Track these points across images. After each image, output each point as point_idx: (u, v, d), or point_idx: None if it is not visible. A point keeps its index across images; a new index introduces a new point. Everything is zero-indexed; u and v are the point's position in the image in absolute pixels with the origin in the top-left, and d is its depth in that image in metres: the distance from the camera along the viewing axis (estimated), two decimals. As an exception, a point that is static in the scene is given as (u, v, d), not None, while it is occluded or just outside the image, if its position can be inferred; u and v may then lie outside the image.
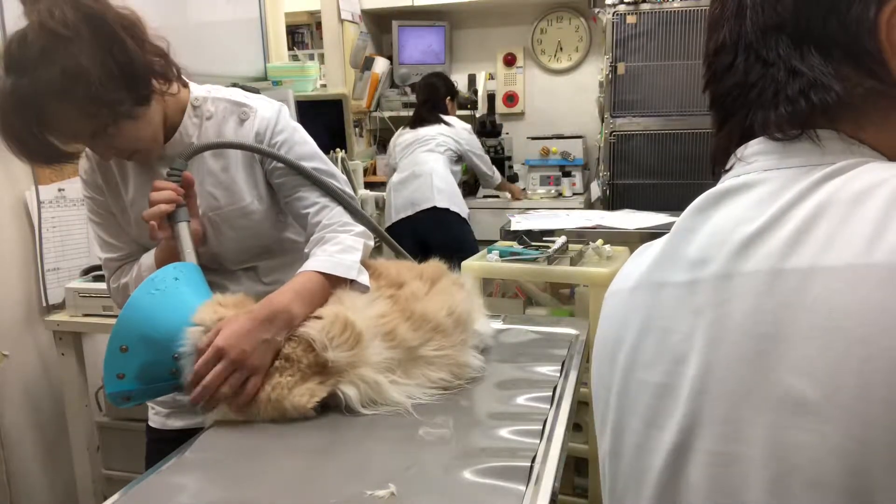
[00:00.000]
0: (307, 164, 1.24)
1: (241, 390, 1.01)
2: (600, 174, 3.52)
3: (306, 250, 1.22)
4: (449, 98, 3.62)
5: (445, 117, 3.51)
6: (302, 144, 1.26)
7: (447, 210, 3.24)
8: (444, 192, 3.27)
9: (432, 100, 3.54)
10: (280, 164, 1.23)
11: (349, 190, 1.29)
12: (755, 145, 0.57)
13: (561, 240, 1.98)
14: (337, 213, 1.24)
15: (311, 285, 1.11)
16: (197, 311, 1.04)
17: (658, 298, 0.58)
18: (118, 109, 1.04)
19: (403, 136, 3.51)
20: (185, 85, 1.20)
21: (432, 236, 3.11)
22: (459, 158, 3.50)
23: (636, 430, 0.59)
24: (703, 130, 3.26)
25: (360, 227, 1.23)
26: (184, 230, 1.15)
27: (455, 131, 3.46)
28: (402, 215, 3.29)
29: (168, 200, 1.13)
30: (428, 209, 3.23)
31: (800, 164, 0.53)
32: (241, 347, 1.00)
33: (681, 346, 0.55)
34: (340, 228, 1.21)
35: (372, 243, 1.25)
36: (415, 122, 3.52)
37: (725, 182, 0.57)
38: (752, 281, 0.50)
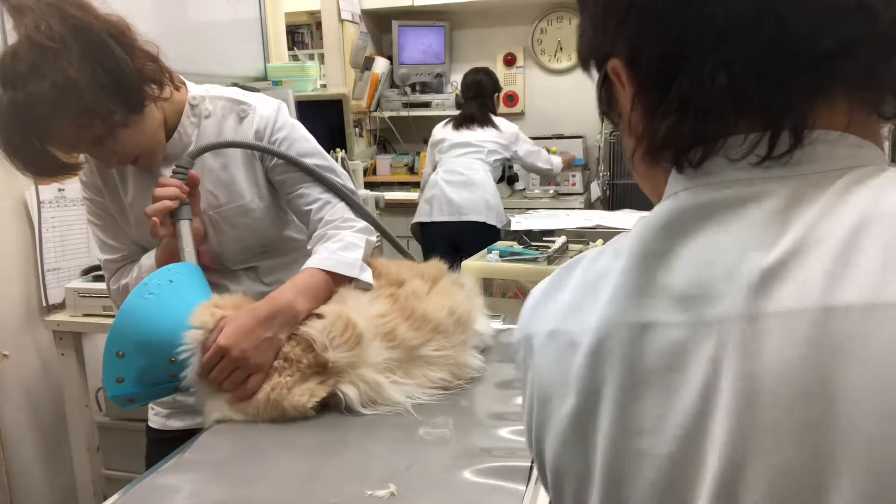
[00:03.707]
0: (308, 161, 1.24)
1: (243, 387, 1.02)
2: (600, 174, 3.52)
3: (309, 247, 1.22)
4: (496, 94, 3.52)
5: (496, 119, 3.41)
6: (302, 141, 1.26)
7: (493, 227, 3.21)
8: (494, 210, 3.26)
9: (481, 97, 3.41)
10: (281, 161, 1.23)
11: (350, 185, 1.29)
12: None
13: (561, 240, 1.99)
14: (339, 210, 1.24)
15: (313, 282, 1.11)
16: (195, 313, 1.04)
17: (642, 345, 0.46)
18: (111, 119, 1.03)
19: (450, 134, 3.38)
20: (178, 88, 1.19)
21: (470, 246, 2.96)
22: (503, 165, 3.45)
23: None
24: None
25: (362, 223, 1.23)
26: (185, 228, 1.15)
27: (504, 136, 3.37)
28: (445, 218, 3.24)
29: (173, 197, 1.13)
30: (474, 221, 3.20)
31: (804, 172, 0.45)
32: (241, 346, 1.00)
33: (696, 407, 0.44)
34: (343, 224, 1.21)
35: (374, 239, 1.25)
36: (464, 121, 3.38)
37: (701, 193, 0.48)
38: (791, 324, 0.40)
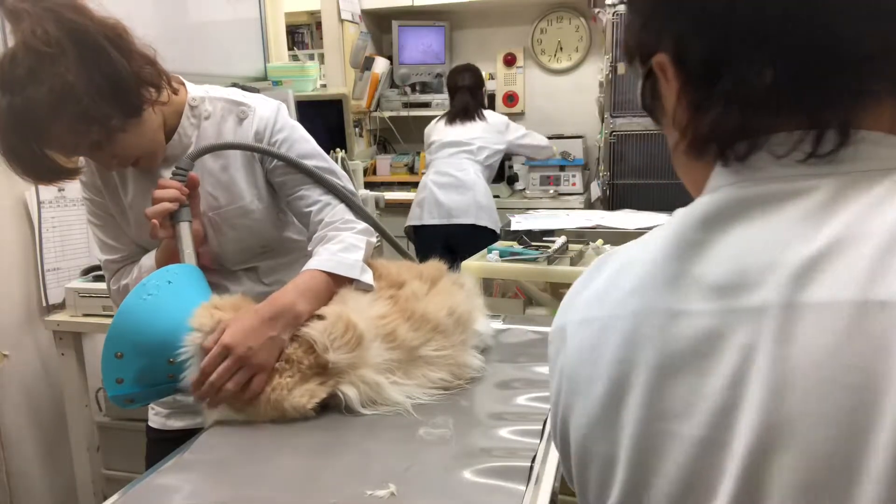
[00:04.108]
0: (308, 162, 1.24)
1: (246, 388, 1.02)
2: (600, 174, 3.52)
3: (309, 248, 1.22)
4: (481, 89, 3.53)
5: (485, 112, 3.41)
6: (302, 142, 1.26)
7: (485, 228, 3.20)
8: (485, 210, 3.23)
9: (470, 88, 3.40)
10: (281, 163, 1.23)
11: (350, 186, 1.29)
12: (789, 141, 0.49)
13: (561, 240, 1.99)
14: (339, 211, 1.24)
15: (314, 284, 1.11)
16: (194, 315, 1.04)
17: (674, 331, 0.48)
18: (109, 124, 1.03)
19: (441, 132, 3.37)
20: (176, 91, 1.18)
21: (463, 248, 2.88)
22: (502, 162, 3.43)
23: (668, 493, 0.48)
24: (703, 130, 3.26)
25: (362, 225, 1.23)
26: (185, 230, 1.15)
27: (494, 126, 3.36)
28: (437, 221, 3.22)
29: (172, 199, 1.13)
30: (465, 224, 3.18)
31: (848, 171, 0.46)
32: (247, 345, 1.00)
33: (726, 393, 0.45)
34: (343, 226, 1.21)
35: (374, 240, 1.25)
36: (458, 114, 3.36)
37: (745, 188, 0.49)
38: (829, 314, 0.41)
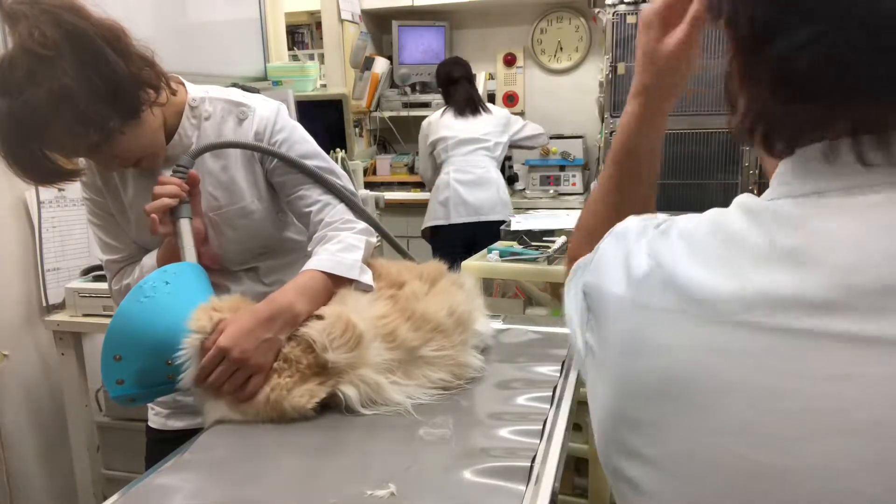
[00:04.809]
0: (308, 163, 1.24)
1: (243, 389, 1.02)
2: (600, 174, 3.52)
3: (309, 248, 1.22)
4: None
5: (488, 105, 3.43)
6: (302, 143, 1.26)
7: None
8: (507, 206, 3.27)
9: (468, 80, 3.39)
10: (281, 163, 1.23)
11: (351, 186, 1.29)
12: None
13: (561, 240, 1.99)
14: (339, 211, 1.24)
15: (313, 284, 1.11)
16: (193, 316, 1.04)
17: (748, 343, 0.43)
18: (107, 126, 1.03)
19: (452, 125, 3.34)
20: (174, 92, 1.18)
21: (486, 244, 3.02)
22: (503, 154, 3.46)
23: None
24: (703, 130, 3.26)
25: (362, 225, 1.23)
26: (185, 227, 1.15)
27: (499, 121, 3.38)
28: (465, 220, 3.22)
29: (172, 195, 1.12)
30: (493, 221, 3.18)
31: None
32: (242, 347, 1.00)
33: (795, 418, 0.41)
34: (342, 226, 1.22)
35: (374, 240, 1.25)
36: (467, 105, 3.35)
37: (830, 196, 0.45)
38: None
